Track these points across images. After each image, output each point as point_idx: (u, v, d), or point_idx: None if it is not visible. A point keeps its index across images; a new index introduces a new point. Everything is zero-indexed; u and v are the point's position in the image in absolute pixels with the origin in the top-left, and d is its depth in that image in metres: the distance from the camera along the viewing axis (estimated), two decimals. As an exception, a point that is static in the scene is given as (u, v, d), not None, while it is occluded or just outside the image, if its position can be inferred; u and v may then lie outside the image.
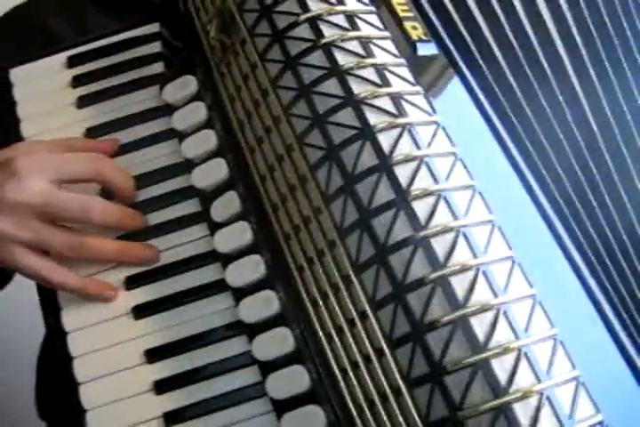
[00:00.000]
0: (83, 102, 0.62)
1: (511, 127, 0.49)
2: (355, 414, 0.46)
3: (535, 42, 0.52)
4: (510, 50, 0.51)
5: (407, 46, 0.50)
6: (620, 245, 0.47)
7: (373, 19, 0.50)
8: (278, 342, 0.51)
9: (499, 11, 0.52)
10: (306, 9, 0.49)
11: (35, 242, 0.55)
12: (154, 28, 0.65)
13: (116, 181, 0.57)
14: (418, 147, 0.45)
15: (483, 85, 0.50)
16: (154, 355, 0.55)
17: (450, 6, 0.52)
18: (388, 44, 0.49)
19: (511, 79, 0.50)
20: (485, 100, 0.50)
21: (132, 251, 0.56)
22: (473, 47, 0.51)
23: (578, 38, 0.52)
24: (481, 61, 0.50)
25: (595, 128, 0.51)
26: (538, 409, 0.39)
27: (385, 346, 0.43)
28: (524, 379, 0.40)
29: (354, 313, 0.45)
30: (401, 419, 0.43)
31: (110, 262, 0.57)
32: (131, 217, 0.57)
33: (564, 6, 0.53)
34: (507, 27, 0.51)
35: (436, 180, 0.44)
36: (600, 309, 0.44)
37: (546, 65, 0.51)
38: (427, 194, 0.44)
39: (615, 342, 0.44)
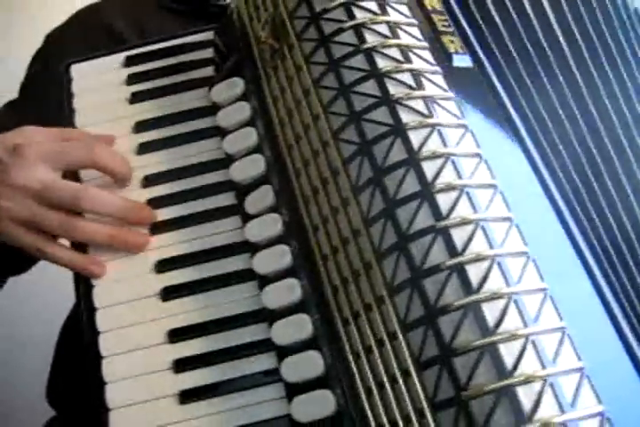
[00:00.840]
0: (135, 98, 0.67)
1: (534, 135, 0.52)
2: (364, 397, 0.48)
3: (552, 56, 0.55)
4: (530, 59, 0.54)
5: (444, 58, 0.53)
6: (621, 230, 0.50)
7: (414, 30, 0.53)
8: (297, 327, 0.53)
9: (538, 30, 0.55)
10: (352, 17, 0.53)
11: (31, 220, 0.59)
12: (208, 35, 0.69)
13: (110, 167, 0.61)
14: (445, 145, 0.48)
15: (509, 92, 0.53)
16: (176, 335, 0.57)
17: (483, 24, 0.55)
18: (426, 54, 0.52)
19: (553, 97, 0.53)
20: (515, 113, 0.53)
21: (124, 237, 0.60)
22: (503, 62, 0.54)
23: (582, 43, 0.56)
24: (509, 73, 0.54)
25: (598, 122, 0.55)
26: (540, 394, 0.41)
27: (398, 329, 0.45)
28: (529, 365, 0.41)
29: (371, 298, 0.47)
30: (408, 400, 0.45)
31: (103, 245, 0.60)
32: (132, 210, 0.60)
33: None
34: (524, 37, 0.55)
35: (460, 176, 0.47)
36: (604, 300, 0.46)
37: (557, 71, 0.54)
38: (450, 188, 0.46)
39: (620, 337, 0.45)
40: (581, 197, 0.51)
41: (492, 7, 0.57)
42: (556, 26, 0.55)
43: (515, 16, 0.57)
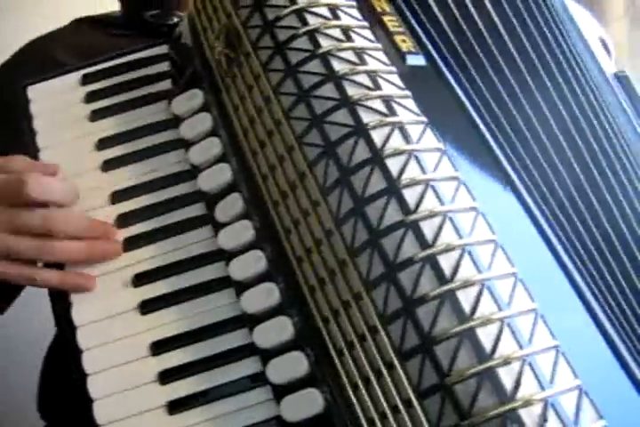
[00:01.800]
0: (95, 116, 0.67)
1: (497, 134, 0.54)
2: (350, 392, 0.49)
3: (516, 55, 0.57)
4: (493, 58, 0.56)
5: (398, 57, 0.55)
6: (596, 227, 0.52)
7: (366, 32, 0.55)
8: (278, 330, 0.54)
9: (480, 24, 0.57)
10: (305, 23, 0.54)
11: (6, 252, 0.59)
12: (162, 49, 0.70)
13: (47, 199, 0.60)
14: (407, 142, 0.49)
15: (468, 94, 0.55)
16: (159, 347, 0.58)
17: (428, 22, 0.57)
18: (380, 55, 0.54)
19: (499, 87, 0.55)
20: (471, 107, 0.55)
21: (98, 248, 0.60)
22: (452, 59, 0.56)
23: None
24: (459, 71, 0.56)
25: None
26: (520, 373, 0.42)
27: (378, 323, 0.47)
28: (507, 346, 0.43)
29: (349, 295, 0.49)
30: (394, 391, 0.46)
31: (78, 262, 0.60)
32: (96, 227, 0.61)
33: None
34: (489, 40, 0.57)
35: (423, 170, 0.48)
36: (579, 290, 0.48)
37: (526, 74, 0.56)
38: (415, 183, 0.48)
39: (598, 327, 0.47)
40: (542, 192, 0.53)
41: (434, 6, 0.58)
42: (497, 20, 0.57)
43: (456, 12, 0.58)
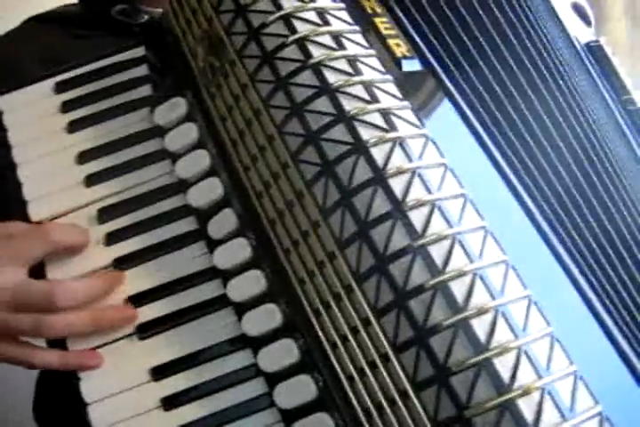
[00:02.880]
0: (73, 127, 0.63)
1: (496, 137, 0.51)
2: (345, 383, 0.48)
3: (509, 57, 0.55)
4: (490, 63, 0.54)
5: (393, 64, 0.52)
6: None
7: (359, 38, 0.52)
8: (284, 352, 0.52)
9: (475, 29, 0.54)
10: (293, 30, 0.51)
11: (5, 330, 0.55)
12: (139, 52, 0.66)
13: (71, 242, 0.58)
14: (410, 159, 0.47)
15: (467, 99, 0.52)
16: (160, 372, 0.56)
17: (423, 22, 0.54)
18: (374, 62, 0.51)
19: (498, 89, 0.53)
20: (470, 111, 0.53)
21: (107, 316, 0.56)
22: (450, 62, 0.53)
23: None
24: (458, 75, 0.53)
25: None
26: (516, 363, 0.41)
27: (390, 351, 0.45)
28: (503, 336, 0.42)
29: (357, 321, 0.47)
30: (410, 421, 0.45)
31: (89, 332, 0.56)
32: (101, 288, 0.57)
33: None
34: (485, 45, 0.54)
35: (429, 190, 0.46)
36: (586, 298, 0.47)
37: (522, 79, 0.54)
38: (421, 204, 0.46)
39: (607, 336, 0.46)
40: (545, 193, 0.51)
41: (427, 5, 0.55)
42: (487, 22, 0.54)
43: (449, 13, 0.56)
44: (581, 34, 0.61)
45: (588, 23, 0.62)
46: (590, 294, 0.47)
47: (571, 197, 0.51)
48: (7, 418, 1.21)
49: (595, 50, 0.60)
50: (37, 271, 0.58)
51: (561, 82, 0.54)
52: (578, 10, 0.62)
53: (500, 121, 0.53)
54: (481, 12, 0.54)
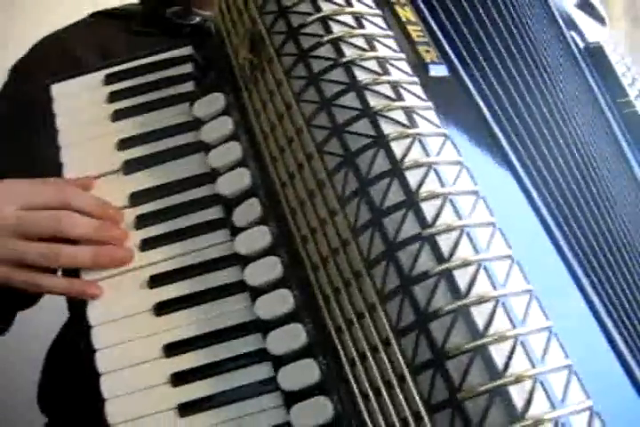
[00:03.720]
0: (117, 116, 0.67)
1: (518, 146, 0.54)
2: (361, 402, 0.49)
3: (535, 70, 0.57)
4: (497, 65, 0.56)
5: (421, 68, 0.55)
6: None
7: (390, 42, 0.55)
8: (291, 337, 0.54)
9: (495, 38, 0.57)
10: (329, 31, 0.54)
11: (13, 258, 0.59)
12: (186, 51, 0.70)
13: (84, 207, 0.61)
14: (427, 155, 0.49)
15: (490, 105, 0.55)
16: (172, 349, 0.58)
17: (454, 32, 0.57)
18: (403, 65, 0.54)
19: (515, 96, 0.55)
20: (492, 119, 0.55)
21: (106, 254, 0.60)
22: (476, 69, 0.56)
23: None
24: (482, 82, 0.55)
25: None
26: (531, 392, 0.42)
27: (391, 335, 0.47)
28: (519, 364, 0.43)
29: (363, 305, 0.49)
30: (404, 404, 0.46)
31: (90, 267, 0.60)
32: (106, 229, 0.61)
33: None
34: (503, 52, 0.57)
35: (442, 184, 0.48)
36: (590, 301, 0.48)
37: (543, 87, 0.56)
38: (434, 196, 0.48)
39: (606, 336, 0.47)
40: (563, 199, 0.53)
41: (458, 16, 0.58)
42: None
43: (477, 24, 0.58)
44: (591, 33, 0.62)
45: (602, 22, 0.64)
46: (593, 296, 0.48)
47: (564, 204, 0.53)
48: (11, 406, 1.23)
49: (594, 52, 0.62)
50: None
51: (542, 86, 0.56)
52: (587, 9, 0.64)
53: (520, 130, 0.55)
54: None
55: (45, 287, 0.60)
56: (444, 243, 0.46)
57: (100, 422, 0.56)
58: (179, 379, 0.57)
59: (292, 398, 0.53)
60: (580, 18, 0.64)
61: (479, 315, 0.44)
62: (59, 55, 0.80)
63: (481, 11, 0.57)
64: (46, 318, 0.87)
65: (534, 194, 0.52)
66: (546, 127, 0.55)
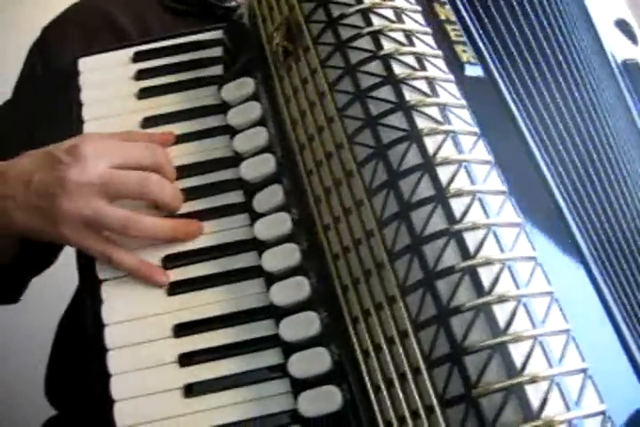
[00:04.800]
0: (143, 94, 0.67)
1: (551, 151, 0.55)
2: (371, 393, 0.49)
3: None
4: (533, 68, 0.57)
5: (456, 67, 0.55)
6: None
7: (428, 39, 0.55)
8: (304, 325, 0.54)
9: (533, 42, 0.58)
10: (369, 23, 0.54)
11: (93, 218, 0.58)
12: (216, 34, 0.70)
13: (168, 172, 0.62)
14: (459, 152, 0.49)
15: (523, 108, 0.55)
16: (182, 330, 0.58)
17: (494, 34, 0.57)
18: (439, 62, 0.54)
19: (546, 96, 0.56)
20: (522, 123, 0.55)
21: (183, 228, 0.60)
22: (513, 72, 0.56)
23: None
24: (519, 85, 0.56)
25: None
26: (547, 393, 0.42)
27: (410, 328, 0.47)
28: (537, 364, 0.43)
29: (382, 297, 0.49)
30: (417, 397, 0.46)
31: (162, 240, 0.60)
32: (180, 199, 0.61)
33: None
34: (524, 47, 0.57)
35: (472, 182, 0.49)
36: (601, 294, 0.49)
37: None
38: (463, 194, 0.48)
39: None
40: (586, 206, 0.53)
41: (498, 18, 0.59)
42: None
43: (515, 27, 0.59)
44: (623, 50, 0.63)
45: (634, 41, 0.65)
46: (608, 297, 0.49)
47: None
48: (18, 394, 1.23)
49: (630, 68, 0.63)
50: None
51: (576, 93, 0.57)
52: (622, 27, 0.65)
53: (552, 136, 0.56)
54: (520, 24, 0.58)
55: (115, 261, 0.59)
56: (471, 240, 0.47)
57: (106, 398, 0.56)
58: (187, 359, 0.57)
59: (300, 386, 0.53)
60: (617, 35, 0.65)
61: (500, 313, 0.45)
62: (99, 20, 0.80)
63: (520, 13, 0.58)
64: (54, 307, 0.86)
65: (562, 204, 0.52)
66: (577, 134, 0.55)
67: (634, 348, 0.48)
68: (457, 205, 0.48)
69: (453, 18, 0.57)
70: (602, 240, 0.53)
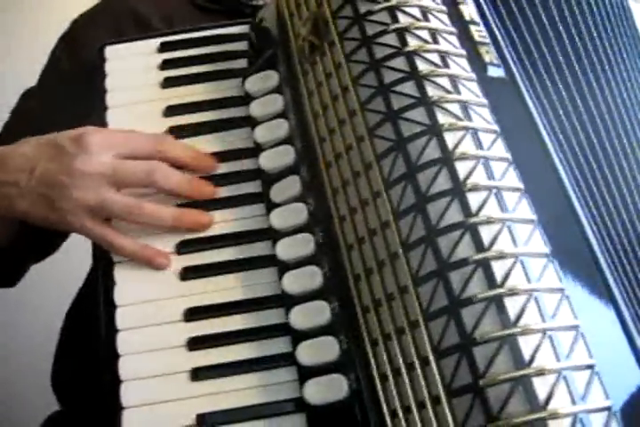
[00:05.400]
0: (168, 83, 0.68)
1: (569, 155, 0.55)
2: (378, 382, 0.50)
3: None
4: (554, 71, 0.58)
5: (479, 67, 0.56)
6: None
7: (453, 38, 0.56)
8: (315, 313, 0.55)
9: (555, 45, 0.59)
10: (396, 20, 0.55)
11: (99, 207, 0.59)
12: (242, 29, 0.71)
13: (180, 158, 0.62)
14: (479, 148, 0.50)
15: (543, 111, 0.56)
16: (193, 314, 0.59)
17: (516, 36, 0.58)
18: (463, 61, 0.55)
19: (566, 99, 0.57)
20: (542, 125, 0.56)
21: (189, 217, 0.61)
22: (534, 74, 0.57)
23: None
24: (539, 87, 0.57)
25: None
26: (554, 386, 0.43)
27: (420, 318, 0.48)
28: (545, 357, 0.44)
29: (394, 287, 0.50)
30: (424, 387, 0.47)
31: (167, 228, 0.61)
32: (197, 185, 0.62)
33: None
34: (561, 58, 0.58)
35: (490, 177, 0.49)
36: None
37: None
38: (480, 188, 0.49)
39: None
40: (601, 211, 0.54)
41: (521, 21, 0.60)
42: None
43: (537, 29, 0.60)
44: None
45: None
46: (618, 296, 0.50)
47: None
48: (17, 394, 1.23)
49: None
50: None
51: (600, 99, 0.59)
52: None
53: (570, 140, 0.56)
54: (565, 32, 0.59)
55: (116, 246, 0.60)
56: (486, 233, 0.47)
57: (113, 378, 0.56)
58: (195, 344, 0.58)
59: (307, 374, 0.54)
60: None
61: (511, 306, 0.45)
62: (128, 16, 0.81)
63: (543, 15, 0.59)
64: (56, 305, 0.87)
65: (575, 200, 0.53)
66: (596, 137, 0.56)
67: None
68: (473, 199, 0.48)
69: (478, 19, 0.58)
70: (615, 243, 0.54)
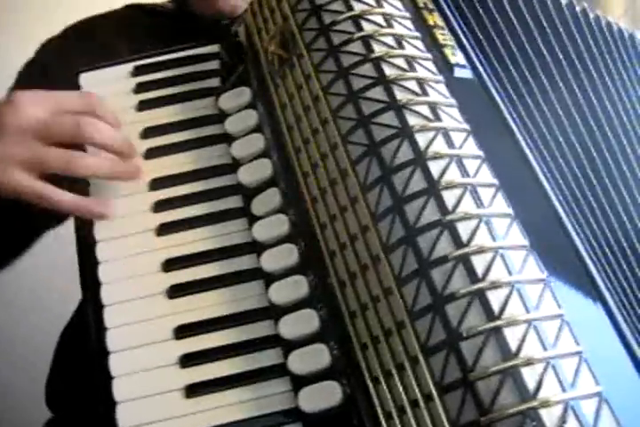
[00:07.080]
0: (143, 106, 0.69)
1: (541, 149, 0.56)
2: (370, 386, 0.50)
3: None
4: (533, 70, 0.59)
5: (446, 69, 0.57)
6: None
7: (418, 43, 0.57)
8: (304, 322, 0.55)
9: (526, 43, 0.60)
10: (360, 29, 0.56)
11: (32, 160, 0.59)
12: (213, 48, 0.72)
13: (108, 118, 0.63)
14: (451, 146, 0.51)
15: (509, 103, 0.57)
16: (183, 331, 0.59)
17: (483, 38, 0.59)
18: (429, 64, 0.56)
19: (525, 94, 0.58)
20: (513, 123, 0.57)
21: (122, 166, 0.62)
22: (502, 74, 0.58)
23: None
24: (508, 84, 0.58)
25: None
26: (542, 375, 0.43)
27: (406, 318, 0.48)
28: (532, 348, 0.44)
29: (379, 290, 0.50)
30: (415, 386, 0.47)
31: (105, 178, 0.62)
32: (127, 141, 0.63)
33: None
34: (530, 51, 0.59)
35: (463, 174, 0.50)
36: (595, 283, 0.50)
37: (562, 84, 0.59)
38: (455, 186, 0.49)
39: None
40: (580, 203, 0.55)
41: (488, 23, 0.61)
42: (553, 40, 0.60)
43: (506, 31, 0.61)
44: None
45: None
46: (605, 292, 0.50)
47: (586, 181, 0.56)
48: (17, 394, 1.22)
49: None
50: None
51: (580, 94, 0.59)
52: None
53: (545, 136, 0.57)
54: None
55: (56, 201, 0.59)
56: (463, 230, 0.48)
57: (108, 400, 0.56)
58: (187, 361, 0.58)
59: (301, 383, 0.54)
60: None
61: (494, 299, 0.46)
62: (95, 42, 0.82)
63: (510, 13, 0.60)
64: (54, 315, 0.87)
65: (553, 198, 0.53)
66: (573, 132, 0.57)
67: (628, 334, 0.49)
68: (449, 197, 0.49)
69: (442, 24, 0.59)
70: (595, 233, 0.54)
